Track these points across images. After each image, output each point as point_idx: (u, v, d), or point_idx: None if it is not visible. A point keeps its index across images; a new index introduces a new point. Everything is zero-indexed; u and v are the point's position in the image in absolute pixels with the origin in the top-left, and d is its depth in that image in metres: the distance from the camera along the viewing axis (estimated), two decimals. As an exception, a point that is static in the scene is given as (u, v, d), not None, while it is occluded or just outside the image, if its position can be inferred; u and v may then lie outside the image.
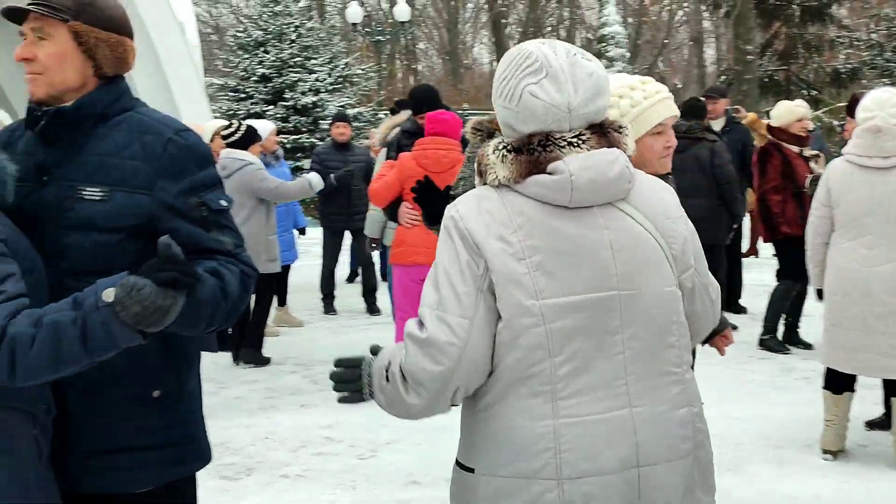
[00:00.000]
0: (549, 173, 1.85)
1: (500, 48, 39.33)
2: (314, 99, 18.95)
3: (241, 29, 21.15)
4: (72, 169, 2.10)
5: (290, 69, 19.38)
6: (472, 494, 1.91)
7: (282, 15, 19.92)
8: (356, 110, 19.37)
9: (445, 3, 41.07)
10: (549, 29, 42.06)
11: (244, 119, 18.55)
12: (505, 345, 1.85)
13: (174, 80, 12.89)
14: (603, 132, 1.90)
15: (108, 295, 1.79)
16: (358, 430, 5.17)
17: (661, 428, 1.89)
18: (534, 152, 1.86)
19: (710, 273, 2.09)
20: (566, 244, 1.85)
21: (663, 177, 2.66)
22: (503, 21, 39.26)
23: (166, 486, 2.20)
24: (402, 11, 24.77)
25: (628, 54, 20.87)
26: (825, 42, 24.81)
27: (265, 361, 6.90)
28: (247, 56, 19.74)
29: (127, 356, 1.93)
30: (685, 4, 35.33)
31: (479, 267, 1.84)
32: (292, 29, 19.84)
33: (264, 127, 7.76)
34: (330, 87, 19.68)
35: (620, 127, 1.93)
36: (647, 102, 2.67)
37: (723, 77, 24.99)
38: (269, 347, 7.08)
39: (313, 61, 19.80)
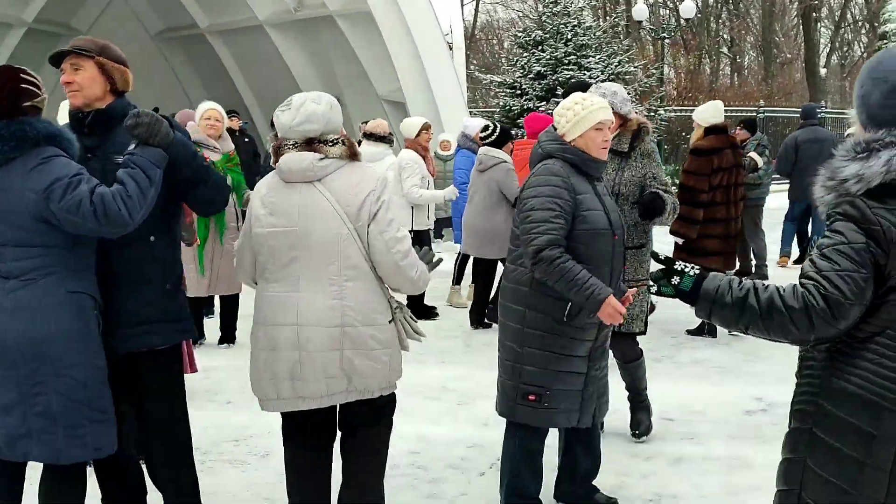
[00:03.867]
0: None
1: (808, 41, 37.53)
2: (585, 95, 19.61)
3: (521, 29, 22.31)
4: (107, 148, 3.37)
5: (565, 67, 20.24)
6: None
7: (560, 15, 20.83)
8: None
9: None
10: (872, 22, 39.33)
11: (519, 115, 19.49)
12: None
13: (434, 78, 14.30)
14: (310, 142, 3.23)
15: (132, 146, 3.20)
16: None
17: (314, 306, 3.33)
18: (277, 152, 3.28)
19: (396, 232, 3.36)
20: (281, 199, 3.38)
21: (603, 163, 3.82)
22: (814, 15, 37.41)
23: (168, 347, 3.43)
24: (688, 8, 24.76)
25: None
26: None
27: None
28: (525, 54, 20.87)
29: (154, 263, 3.29)
30: None
31: None
32: (569, 28, 20.67)
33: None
34: (602, 84, 20.19)
35: (328, 141, 3.23)
36: (586, 111, 3.72)
37: None
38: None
39: (590, 59, 20.50)
